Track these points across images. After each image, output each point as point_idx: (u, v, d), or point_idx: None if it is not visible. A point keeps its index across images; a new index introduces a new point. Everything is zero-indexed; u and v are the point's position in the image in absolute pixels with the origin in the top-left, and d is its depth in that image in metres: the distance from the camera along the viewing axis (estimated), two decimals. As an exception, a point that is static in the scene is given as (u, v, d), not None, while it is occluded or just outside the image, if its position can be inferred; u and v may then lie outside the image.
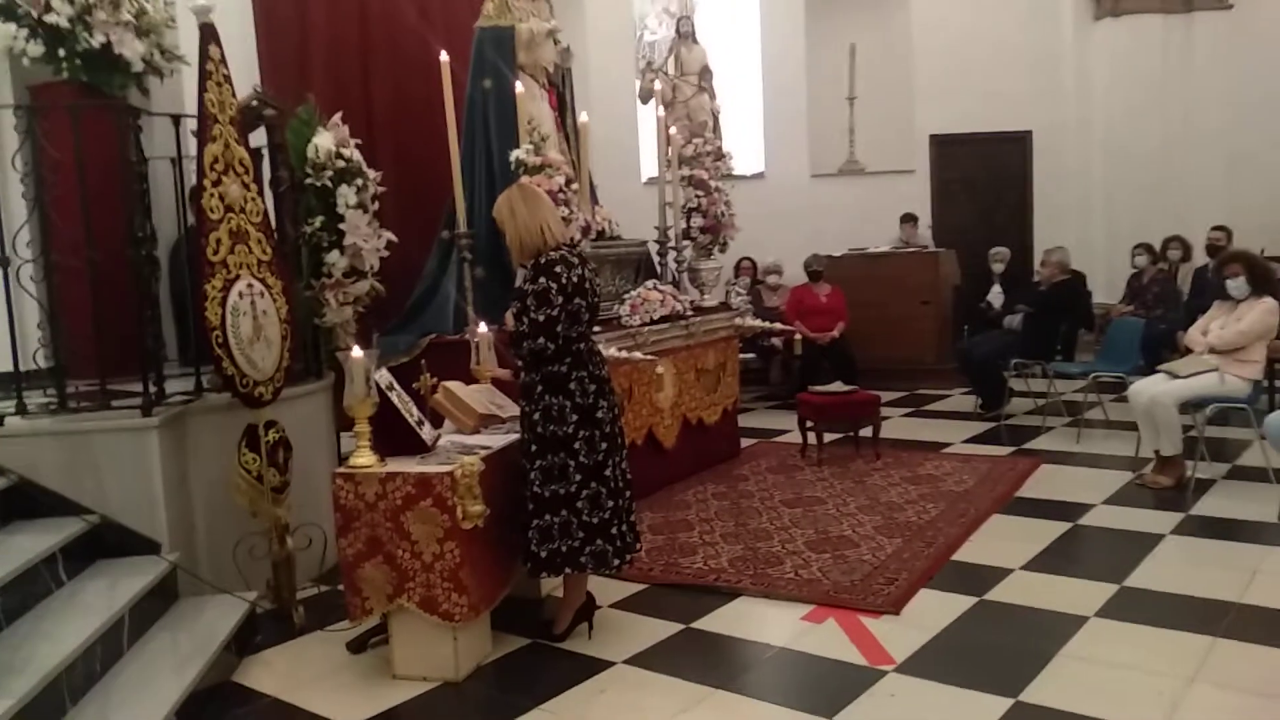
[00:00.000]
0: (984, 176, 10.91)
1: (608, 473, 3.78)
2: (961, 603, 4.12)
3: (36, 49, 4.56)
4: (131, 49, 4.68)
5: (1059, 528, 5.06)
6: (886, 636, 3.82)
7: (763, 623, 4.10)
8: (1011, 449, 6.88)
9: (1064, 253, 7.91)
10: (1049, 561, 4.59)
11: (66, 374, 4.14)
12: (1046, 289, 7.83)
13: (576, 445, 3.72)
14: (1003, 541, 4.88)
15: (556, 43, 6.20)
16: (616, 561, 3.86)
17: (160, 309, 4.47)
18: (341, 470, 3.65)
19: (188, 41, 4.87)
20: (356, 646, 3.91)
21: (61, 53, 4.54)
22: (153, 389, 4.10)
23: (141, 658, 3.51)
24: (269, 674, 3.77)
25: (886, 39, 10.86)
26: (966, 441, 7.18)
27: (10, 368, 4.09)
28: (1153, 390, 5.75)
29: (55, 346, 4.10)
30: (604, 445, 3.77)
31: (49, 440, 3.95)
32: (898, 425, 7.75)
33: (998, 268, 9.04)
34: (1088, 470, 6.21)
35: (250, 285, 4.05)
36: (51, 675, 2.96)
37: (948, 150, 10.85)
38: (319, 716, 3.40)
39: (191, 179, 4.69)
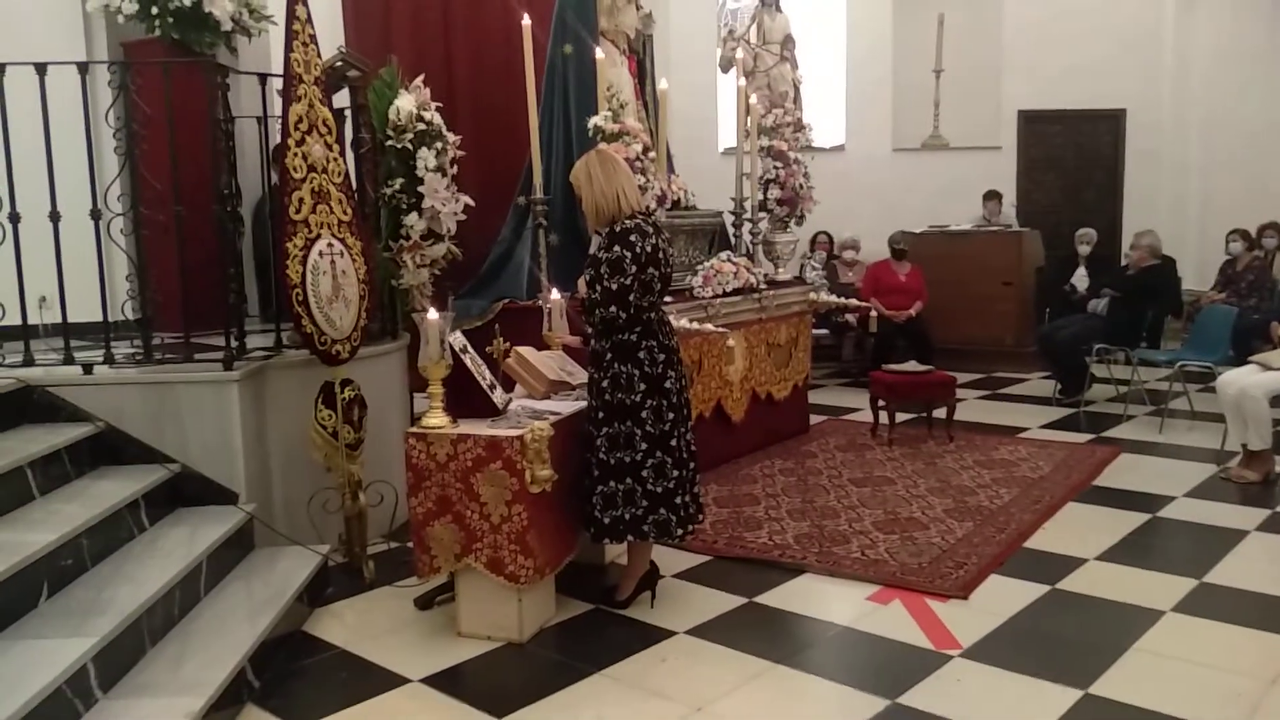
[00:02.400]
0: (1073, 155, 10.57)
1: (673, 443, 3.77)
2: (1033, 590, 4.04)
3: (131, 6, 4.68)
4: (221, 8, 4.77)
5: (1137, 519, 4.92)
6: (953, 621, 3.76)
7: (826, 601, 4.07)
8: (1090, 436, 6.70)
9: (1154, 236, 7.64)
10: (1125, 553, 4.47)
11: (152, 326, 4.27)
12: (1135, 273, 7.58)
13: (644, 414, 3.72)
14: (1078, 530, 4.76)
15: (638, 8, 6.15)
16: (679, 531, 3.86)
17: (243, 265, 4.56)
18: (414, 430, 3.69)
19: (275, 1, 4.94)
20: (424, 603, 3.97)
21: (154, 10, 4.64)
22: (234, 344, 4.21)
23: (218, 604, 3.63)
24: (339, 626, 3.86)
25: (976, 9, 10.54)
26: (1044, 427, 7.01)
27: (100, 318, 4.21)
28: (1243, 381, 5.55)
29: (142, 299, 4.22)
30: (670, 415, 3.76)
31: (134, 390, 4.08)
32: (973, 408, 7.60)
33: (1084, 250, 8.77)
34: (1169, 461, 6.02)
35: (330, 245, 4.10)
36: (132, 617, 3.08)
37: (1036, 127, 10.52)
38: (386, 670, 3.47)
39: (276, 138, 4.77)
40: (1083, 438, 6.66)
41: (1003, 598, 3.97)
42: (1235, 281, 8.61)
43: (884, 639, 3.66)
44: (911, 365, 6.81)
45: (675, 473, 3.79)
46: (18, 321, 4.11)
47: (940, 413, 6.62)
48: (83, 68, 4.08)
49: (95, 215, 4.09)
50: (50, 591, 3.15)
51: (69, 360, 4.13)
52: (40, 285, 4.10)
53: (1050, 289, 9.10)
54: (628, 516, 3.76)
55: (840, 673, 3.44)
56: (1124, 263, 8.08)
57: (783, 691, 3.31)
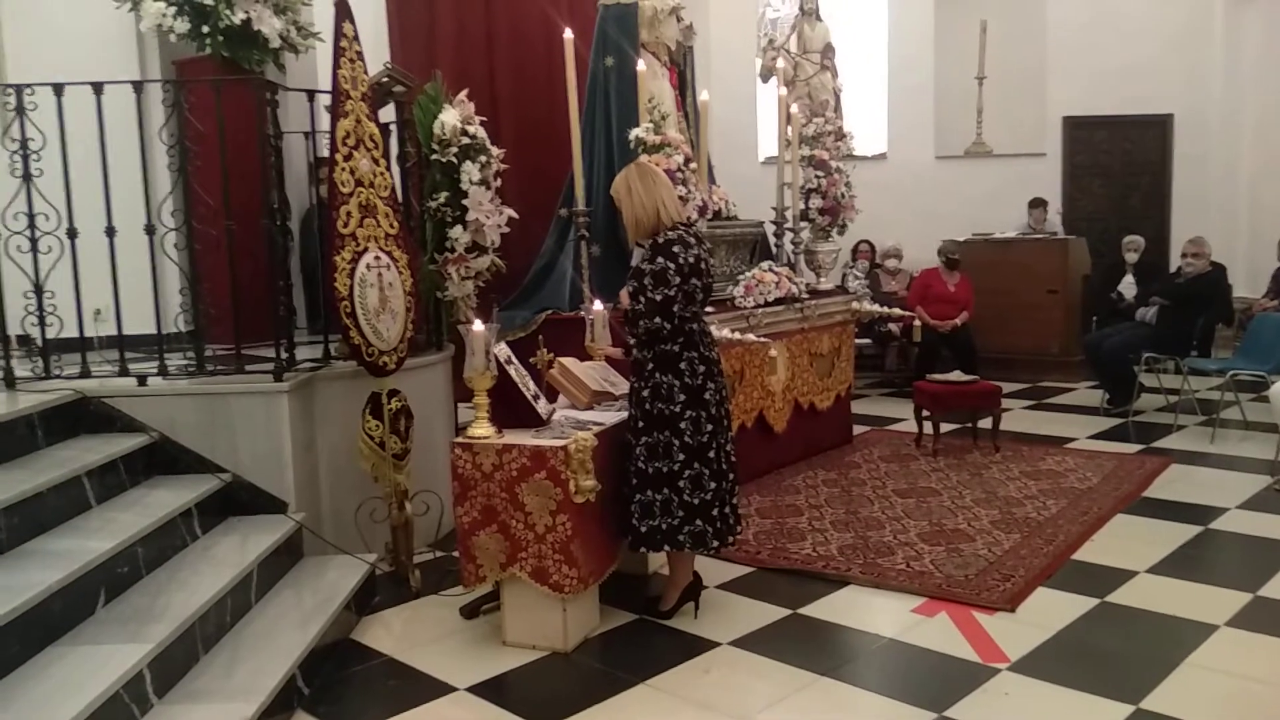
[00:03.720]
0: (1120, 161, 10.43)
1: (711, 454, 3.78)
2: (1082, 604, 3.98)
3: (183, 25, 4.78)
4: (269, 25, 4.86)
5: (1188, 531, 4.83)
6: (1001, 634, 3.72)
7: (871, 613, 4.05)
8: (1139, 447, 6.60)
9: (1206, 244, 7.53)
10: (1176, 566, 4.40)
11: (204, 338, 4.35)
12: (1184, 281, 7.45)
13: (682, 425, 3.73)
14: (1127, 543, 4.69)
15: (679, 20, 6.17)
16: (715, 543, 3.86)
17: (292, 278, 4.63)
18: (460, 440, 3.73)
19: (321, 18, 5.03)
20: (469, 612, 4.00)
21: (205, 29, 4.74)
22: (284, 355, 4.27)
23: (268, 612, 3.68)
24: (386, 634, 3.90)
25: (1019, 15, 10.45)
26: (1091, 437, 6.91)
27: (153, 330, 4.30)
28: (1298, 391, 5.44)
29: (195, 311, 4.30)
30: (709, 427, 3.76)
31: (187, 401, 4.16)
32: (1019, 418, 7.51)
33: (1131, 257, 8.65)
34: (1221, 472, 5.92)
35: (378, 258, 4.16)
36: (187, 624, 3.14)
37: (1081, 133, 10.40)
38: (432, 678, 3.50)
39: (323, 152, 4.85)
40: (1132, 448, 6.56)
41: (1051, 611, 3.93)
42: (1288, 288, 8.44)
43: (930, 652, 3.63)
44: (956, 375, 6.75)
45: (713, 484, 3.79)
46: (74, 334, 4.21)
47: (985, 423, 6.55)
48: (137, 86, 4.17)
49: (149, 230, 4.19)
50: (107, 598, 3.22)
51: (124, 372, 4.22)
52: (96, 298, 4.20)
53: (1097, 297, 8.98)
54: (664, 526, 3.77)
55: (886, 685, 3.42)
56: (1178, 267, 7.94)
57: (828, 704, 3.30)
